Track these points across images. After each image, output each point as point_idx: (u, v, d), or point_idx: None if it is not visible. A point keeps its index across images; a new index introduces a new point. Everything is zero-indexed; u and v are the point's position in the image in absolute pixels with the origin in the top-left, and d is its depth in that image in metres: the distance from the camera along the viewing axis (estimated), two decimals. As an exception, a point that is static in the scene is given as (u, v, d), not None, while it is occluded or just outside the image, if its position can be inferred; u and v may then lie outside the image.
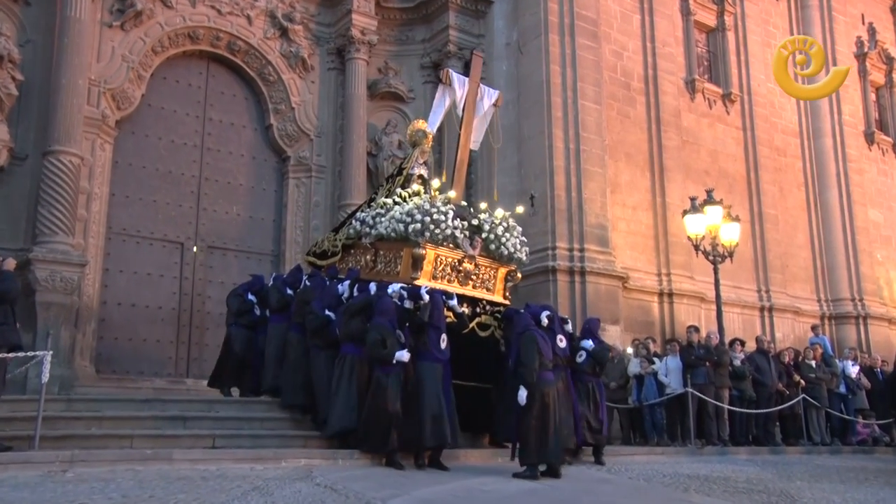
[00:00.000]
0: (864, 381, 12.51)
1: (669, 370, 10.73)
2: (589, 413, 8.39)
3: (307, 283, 9.24)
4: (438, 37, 13.99)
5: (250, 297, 9.52)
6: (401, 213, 8.78)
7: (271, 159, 13.40)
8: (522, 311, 8.22)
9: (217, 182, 12.73)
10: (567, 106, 12.97)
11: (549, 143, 12.71)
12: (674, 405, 10.62)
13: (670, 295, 13.34)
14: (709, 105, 15.54)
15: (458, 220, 8.81)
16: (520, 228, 9.46)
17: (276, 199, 13.26)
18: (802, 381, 11.69)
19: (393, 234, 8.84)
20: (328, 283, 8.95)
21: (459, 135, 9.91)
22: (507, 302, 9.30)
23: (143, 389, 10.55)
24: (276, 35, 13.17)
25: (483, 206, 9.46)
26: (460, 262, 8.91)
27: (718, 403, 10.59)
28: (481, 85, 10.30)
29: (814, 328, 14.64)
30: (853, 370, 12.50)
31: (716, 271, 12.19)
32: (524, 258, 9.43)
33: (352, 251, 9.71)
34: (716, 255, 12.22)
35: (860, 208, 16.83)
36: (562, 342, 7.94)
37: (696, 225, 12.32)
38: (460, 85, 9.97)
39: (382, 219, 9.04)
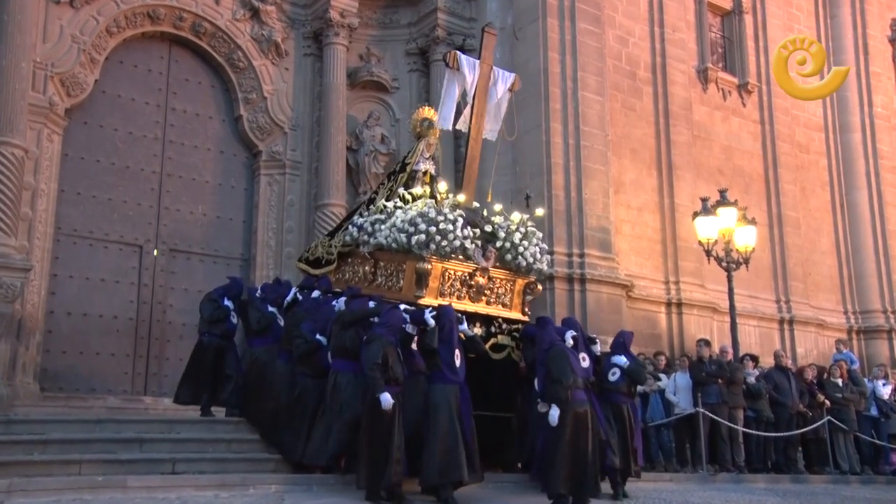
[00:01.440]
0: (898, 402, 12.59)
1: (678, 388, 10.82)
2: (613, 438, 8.14)
3: (298, 296, 9.01)
4: (426, 20, 14.10)
5: (226, 302, 9.30)
6: (402, 221, 8.50)
7: (241, 154, 13.45)
8: (547, 325, 8.17)
9: (180, 178, 12.77)
10: (566, 97, 13.08)
11: (546, 138, 12.82)
12: (683, 426, 10.70)
13: (679, 305, 13.45)
14: (723, 96, 15.68)
15: (469, 227, 8.52)
16: (539, 234, 9.19)
17: (246, 198, 13.31)
18: (827, 402, 11.77)
19: (394, 245, 8.57)
20: (322, 300, 8.73)
21: (469, 126, 9.55)
22: (525, 318, 9.06)
23: (95, 409, 10.54)
24: (246, 16, 13.24)
25: (497, 208, 9.15)
26: (471, 275, 8.63)
27: (732, 425, 10.67)
28: (494, 67, 9.85)
29: (838, 343, 14.74)
30: (886, 390, 12.58)
31: (730, 279, 12.30)
32: (545, 268, 9.18)
33: (349, 260, 9.50)
34: (730, 262, 12.33)
35: (893, 210, 16.97)
36: (584, 361, 7.87)
37: (708, 228, 12.43)
38: (470, 69, 9.52)
39: (382, 226, 8.78)
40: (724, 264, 12.39)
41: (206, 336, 9.22)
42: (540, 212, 9.76)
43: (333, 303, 8.54)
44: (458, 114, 9.66)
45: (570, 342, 7.82)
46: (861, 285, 16.49)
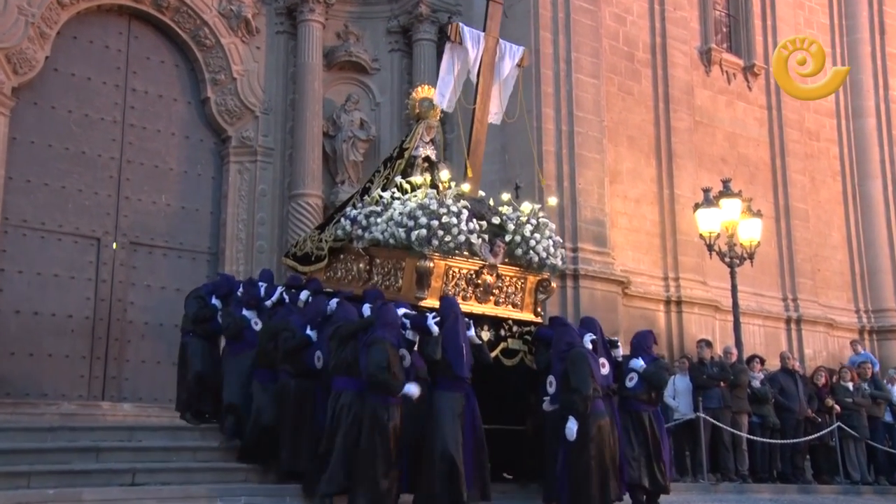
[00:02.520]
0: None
1: (677, 391, 10.90)
2: (633, 451, 7.97)
3: (284, 296, 8.75)
4: (408, -5, 14.06)
5: (214, 301, 9.10)
6: (401, 214, 8.24)
7: (208, 139, 13.40)
8: (566, 325, 8.05)
9: (142, 166, 12.71)
10: (559, 80, 13.11)
11: (537, 124, 12.84)
12: (683, 433, 10.77)
13: (679, 303, 13.54)
14: (727, 80, 15.76)
15: (475, 220, 8.31)
16: (553, 225, 9.03)
17: (213, 187, 13.27)
18: (837, 408, 11.88)
19: (391, 241, 8.33)
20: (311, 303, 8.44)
21: (474, 107, 9.25)
22: (538, 320, 8.89)
23: (47, 416, 10.47)
24: (213, -11, 13.18)
25: (505, 197, 8.94)
26: (478, 273, 8.41)
27: (736, 431, 10.76)
28: (501, 41, 9.53)
29: (854, 343, 14.87)
30: (897, 394, 12.73)
31: (733, 276, 12.39)
32: (559, 263, 8.96)
33: (341, 256, 9.28)
34: (733, 257, 12.41)
35: (909, 201, 17.13)
36: (604, 368, 7.77)
37: (710, 221, 12.49)
38: (474, 43, 9.20)
39: (378, 219, 8.53)
40: (727, 259, 12.46)
41: (190, 336, 9.06)
42: (553, 201, 9.57)
43: (328, 302, 8.22)
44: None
45: (588, 346, 7.69)
46: (874, 282, 16.62)
